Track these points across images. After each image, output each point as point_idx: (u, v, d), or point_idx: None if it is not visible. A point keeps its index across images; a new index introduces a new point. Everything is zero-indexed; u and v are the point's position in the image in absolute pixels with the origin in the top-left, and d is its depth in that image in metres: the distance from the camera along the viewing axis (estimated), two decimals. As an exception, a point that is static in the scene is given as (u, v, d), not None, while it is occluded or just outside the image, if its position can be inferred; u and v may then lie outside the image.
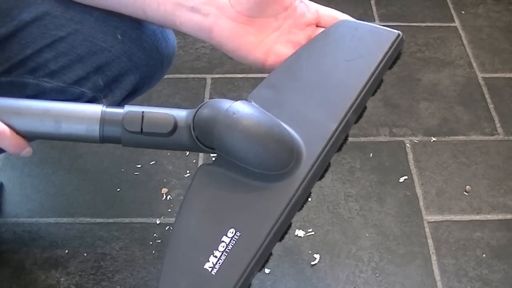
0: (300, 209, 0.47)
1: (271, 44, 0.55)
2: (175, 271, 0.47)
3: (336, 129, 0.47)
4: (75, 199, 1.07)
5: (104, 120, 0.51)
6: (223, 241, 0.45)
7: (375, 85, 0.51)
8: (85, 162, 1.13)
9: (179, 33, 0.81)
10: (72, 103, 0.54)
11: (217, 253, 0.45)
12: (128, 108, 0.51)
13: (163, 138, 0.50)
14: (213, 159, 0.50)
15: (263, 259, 0.45)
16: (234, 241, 0.45)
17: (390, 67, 0.54)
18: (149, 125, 0.49)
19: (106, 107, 0.52)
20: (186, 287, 0.45)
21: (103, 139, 0.52)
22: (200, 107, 0.50)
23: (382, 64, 0.51)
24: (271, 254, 0.46)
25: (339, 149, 0.49)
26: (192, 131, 0.49)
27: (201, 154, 1.15)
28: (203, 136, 0.49)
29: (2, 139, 0.51)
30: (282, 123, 0.48)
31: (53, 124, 0.52)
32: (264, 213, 0.45)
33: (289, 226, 0.47)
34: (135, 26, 0.70)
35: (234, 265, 0.44)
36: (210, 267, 0.45)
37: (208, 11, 0.53)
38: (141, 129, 0.49)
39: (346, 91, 0.49)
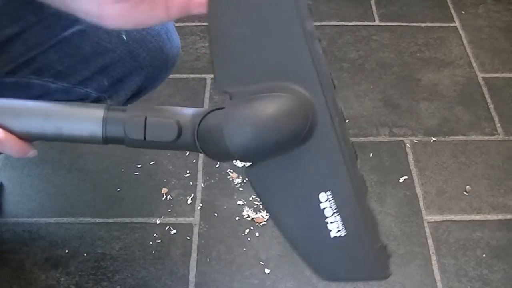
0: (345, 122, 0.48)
1: None
2: (322, 261, 0.48)
3: (309, 48, 0.45)
4: (75, 199, 1.07)
5: (106, 125, 0.50)
6: (324, 208, 0.46)
7: None
8: (85, 162, 1.13)
9: (179, 33, 0.81)
10: (73, 105, 0.53)
11: (331, 219, 0.46)
12: (130, 112, 0.49)
13: (167, 143, 0.49)
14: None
15: (363, 187, 0.46)
16: (332, 200, 0.46)
17: None
18: (152, 133, 0.49)
19: (108, 110, 0.50)
20: (344, 263, 0.48)
21: (107, 142, 0.51)
22: (201, 121, 0.48)
23: None
24: (362, 176, 0.47)
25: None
26: (196, 142, 0.49)
27: (201, 155, 1.15)
28: (208, 150, 0.48)
29: (3, 146, 0.50)
30: (270, 86, 0.46)
31: (54, 131, 0.51)
32: (330, 160, 0.46)
33: (353, 144, 0.47)
34: None
35: (351, 214, 0.46)
36: (338, 232, 0.46)
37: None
38: (144, 137, 0.49)
39: (285, 15, 0.45)
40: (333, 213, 0.46)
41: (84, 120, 0.51)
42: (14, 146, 0.50)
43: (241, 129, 0.45)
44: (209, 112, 0.48)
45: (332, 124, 0.45)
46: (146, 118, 0.48)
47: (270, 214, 0.50)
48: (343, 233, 0.46)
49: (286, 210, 0.49)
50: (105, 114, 0.50)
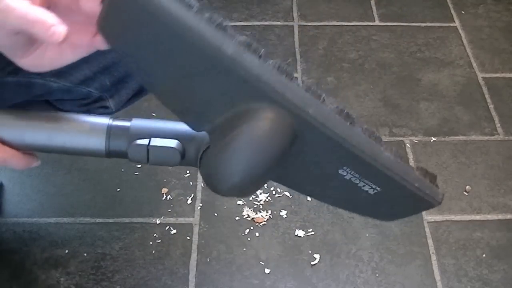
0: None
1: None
2: (377, 211, 0.52)
3: (241, 65, 0.42)
4: (75, 199, 1.07)
5: (109, 142, 0.51)
6: (350, 178, 0.48)
7: None
8: (85, 162, 1.13)
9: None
10: (77, 119, 0.53)
11: (361, 184, 0.48)
12: (133, 130, 0.50)
13: (170, 164, 0.52)
14: None
15: (373, 141, 0.47)
16: (351, 171, 0.47)
17: None
18: (155, 159, 0.50)
19: (111, 126, 0.51)
20: (396, 205, 0.51)
21: (110, 156, 0.53)
22: (202, 153, 0.49)
23: None
24: (366, 130, 0.47)
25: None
26: (199, 168, 0.50)
27: (201, 154, 1.15)
28: (210, 187, 0.50)
29: (8, 164, 0.51)
30: (235, 112, 0.45)
31: (58, 145, 0.52)
32: (325, 141, 0.46)
33: (339, 107, 0.47)
34: None
35: (375, 173, 0.47)
36: (374, 190, 0.48)
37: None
38: (147, 161, 0.51)
39: (202, 53, 0.43)
40: (360, 179, 0.48)
41: (88, 136, 0.52)
42: (18, 163, 0.51)
43: (231, 180, 0.46)
44: (207, 148, 0.49)
45: (304, 108, 0.44)
46: (148, 143, 0.50)
47: (314, 198, 0.53)
48: (378, 188, 0.48)
49: (323, 192, 0.51)
50: (108, 130, 0.51)
